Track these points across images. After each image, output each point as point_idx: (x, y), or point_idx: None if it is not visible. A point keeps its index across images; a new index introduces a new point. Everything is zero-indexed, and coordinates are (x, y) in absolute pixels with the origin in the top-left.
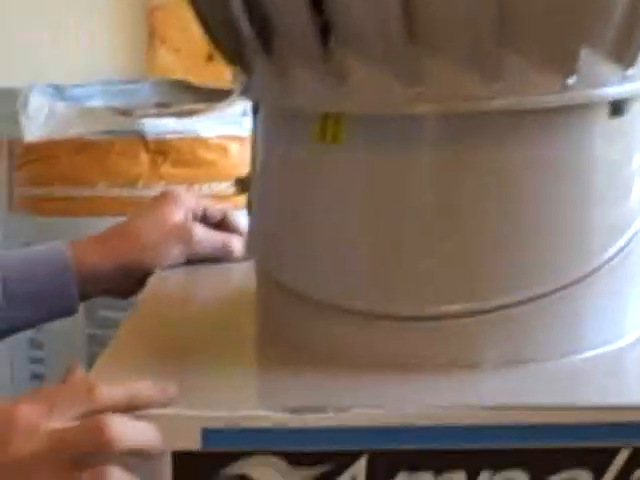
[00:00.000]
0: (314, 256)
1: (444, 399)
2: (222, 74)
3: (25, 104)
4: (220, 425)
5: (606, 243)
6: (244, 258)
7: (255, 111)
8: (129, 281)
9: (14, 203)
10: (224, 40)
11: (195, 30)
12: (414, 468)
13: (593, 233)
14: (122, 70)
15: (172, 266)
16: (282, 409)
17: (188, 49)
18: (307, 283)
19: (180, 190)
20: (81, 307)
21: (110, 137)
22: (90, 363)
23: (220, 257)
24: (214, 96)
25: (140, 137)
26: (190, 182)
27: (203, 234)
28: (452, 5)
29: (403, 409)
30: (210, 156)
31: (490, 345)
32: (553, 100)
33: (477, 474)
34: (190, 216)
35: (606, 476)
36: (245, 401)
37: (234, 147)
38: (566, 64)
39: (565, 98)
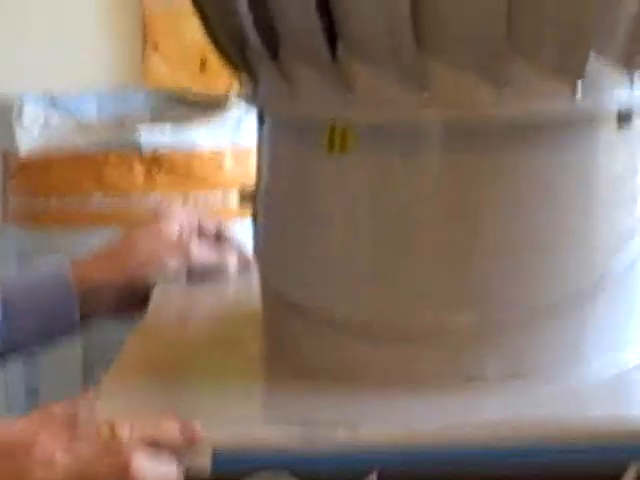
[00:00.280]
0: (320, 270)
1: (451, 416)
2: (215, 83)
3: (19, 115)
4: (229, 444)
5: (611, 253)
6: (239, 272)
7: (261, 121)
8: (130, 298)
9: (9, 214)
10: (230, 47)
11: (189, 40)
12: None
13: (598, 243)
14: (116, 79)
15: (173, 281)
16: (291, 428)
17: (181, 58)
18: (313, 298)
19: (174, 205)
20: None
21: (105, 148)
22: (85, 378)
23: (216, 271)
24: (207, 105)
25: (135, 148)
26: (184, 192)
27: (199, 248)
28: (461, 11)
29: (411, 427)
30: (204, 167)
31: (493, 358)
32: (561, 108)
33: None
34: (186, 230)
35: None
36: (254, 420)
37: (228, 157)
38: (574, 71)
39: (572, 104)
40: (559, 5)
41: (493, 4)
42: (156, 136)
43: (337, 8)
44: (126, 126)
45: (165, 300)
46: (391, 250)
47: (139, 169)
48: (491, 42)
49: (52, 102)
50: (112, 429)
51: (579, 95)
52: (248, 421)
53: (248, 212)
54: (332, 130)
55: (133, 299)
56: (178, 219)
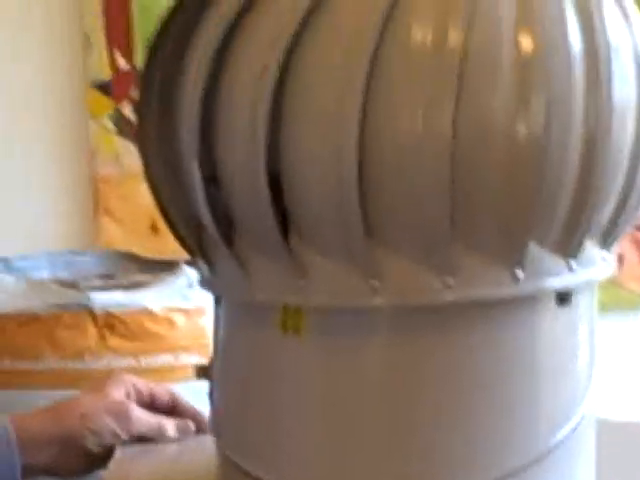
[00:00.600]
0: (275, 445)
1: None
2: (166, 246)
3: None
4: None
5: (554, 426)
6: (178, 439)
7: (217, 301)
8: (69, 455)
9: None
10: (186, 233)
11: (139, 202)
12: None
13: (541, 417)
14: (68, 241)
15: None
16: None
17: (132, 221)
18: (268, 470)
19: (124, 372)
20: None
21: (58, 310)
22: None
23: (155, 438)
24: (159, 267)
25: (88, 310)
26: (137, 354)
27: (139, 414)
28: (407, 204)
29: None
30: (157, 329)
31: None
32: (503, 292)
33: None
34: (133, 397)
35: None
36: None
37: (180, 319)
38: (514, 258)
39: (514, 290)
40: (499, 200)
41: (437, 196)
42: (109, 299)
43: (289, 199)
44: (79, 287)
45: (120, 467)
46: (343, 430)
47: (92, 331)
48: (436, 232)
49: (5, 264)
50: None
51: (520, 279)
52: None
53: (201, 373)
54: (285, 313)
55: (69, 456)
56: (126, 385)
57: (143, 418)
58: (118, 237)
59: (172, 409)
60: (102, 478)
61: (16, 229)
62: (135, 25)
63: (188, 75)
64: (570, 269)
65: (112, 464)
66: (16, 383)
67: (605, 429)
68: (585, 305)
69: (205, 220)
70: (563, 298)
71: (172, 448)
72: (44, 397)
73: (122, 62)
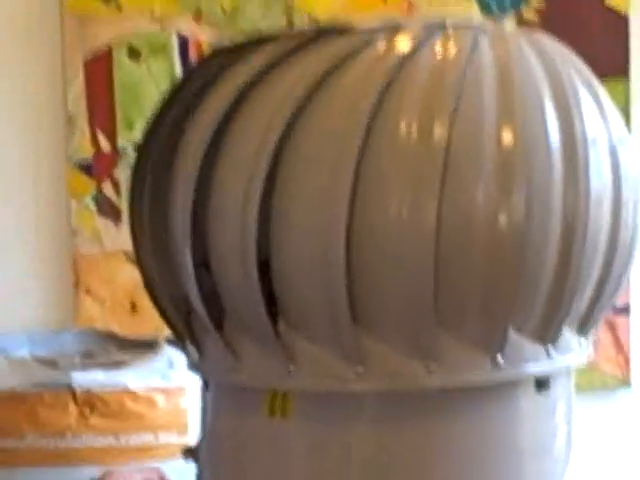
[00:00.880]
0: None
1: None
2: (145, 325)
3: None
4: None
5: None
6: None
7: (205, 386)
8: None
9: None
10: (176, 318)
11: (119, 281)
12: None
13: None
14: (47, 319)
15: None
16: None
17: (112, 299)
18: None
19: (119, 471)
20: None
21: (39, 389)
22: None
23: None
24: (138, 346)
25: (69, 389)
26: (117, 433)
27: None
28: (392, 289)
29: None
30: (137, 408)
31: None
32: (484, 378)
33: None
34: None
35: None
36: None
37: (160, 399)
38: (495, 344)
39: (495, 376)
40: (482, 285)
41: (421, 281)
42: (90, 378)
43: (278, 285)
44: (58, 366)
45: None
46: None
47: (73, 410)
48: (420, 317)
49: None
50: None
51: (500, 365)
52: None
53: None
54: (273, 397)
55: None
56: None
57: None
58: (98, 316)
59: None
60: None
61: None
62: (117, 107)
63: (182, 162)
64: (548, 356)
65: None
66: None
67: None
68: (563, 389)
69: (195, 305)
70: (541, 383)
71: None
72: (25, 476)
73: (104, 143)
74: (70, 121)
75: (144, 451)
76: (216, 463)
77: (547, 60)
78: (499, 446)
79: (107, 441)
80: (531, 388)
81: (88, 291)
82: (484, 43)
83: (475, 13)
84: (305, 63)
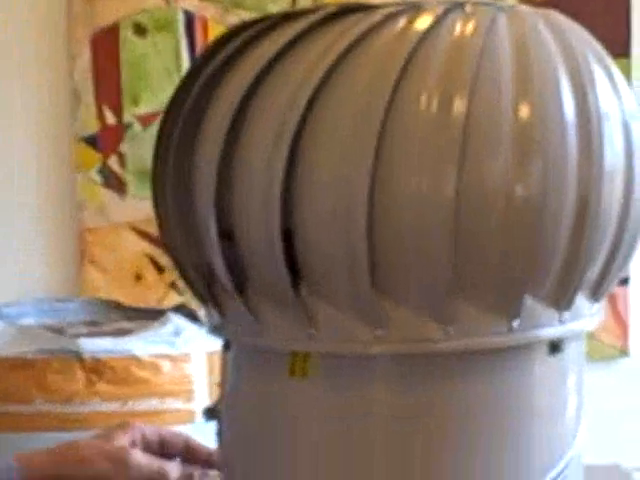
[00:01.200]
0: None
1: None
2: (150, 295)
3: None
4: None
5: (546, 468)
6: None
7: (226, 346)
8: None
9: None
10: (198, 281)
11: (124, 253)
12: None
13: (534, 459)
14: (53, 290)
15: None
16: None
17: (117, 270)
18: None
19: (138, 422)
20: None
21: (47, 356)
22: None
23: None
24: (144, 315)
25: (76, 356)
26: (124, 399)
27: (139, 460)
28: (413, 259)
29: None
30: (143, 374)
31: None
32: (500, 341)
33: None
34: (139, 444)
35: None
36: None
37: (166, 365)
38: (511, 310)
39: (510, 339)
40: (498, 256)
41: (441, 253)
42: (97, 345)
43: (300, 253)
44: (65, 334)
45: None
46: (348, 473)
47: (80, 376)
48: (439, 285)
49: None
50: None
51: (515, 329)
52: None
53: (203, 413)
54: (294, 358)
55: None
56: (133, 432)
57: (143, 464)
58: (103, 286)
59: (186, 453)
60: None
61: (3, 277)
62: (123, 82)
63: (206, 134)
64: (562, 320)
65: None
66: (5, 426)
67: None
68: (574, 353)
69: (219, 271)
70: (555, 347)
71: None
72: (34, 440)
73: (110, 117)
74: (76, 96)
75: (150, 416)
76: (237, 421)
77: (562, 38)
78: (514, 407)
79: (114, 407)
80: (545, 351)
81: (93, 262)
82: (501, 21)
83: None
84: (327, 39)
